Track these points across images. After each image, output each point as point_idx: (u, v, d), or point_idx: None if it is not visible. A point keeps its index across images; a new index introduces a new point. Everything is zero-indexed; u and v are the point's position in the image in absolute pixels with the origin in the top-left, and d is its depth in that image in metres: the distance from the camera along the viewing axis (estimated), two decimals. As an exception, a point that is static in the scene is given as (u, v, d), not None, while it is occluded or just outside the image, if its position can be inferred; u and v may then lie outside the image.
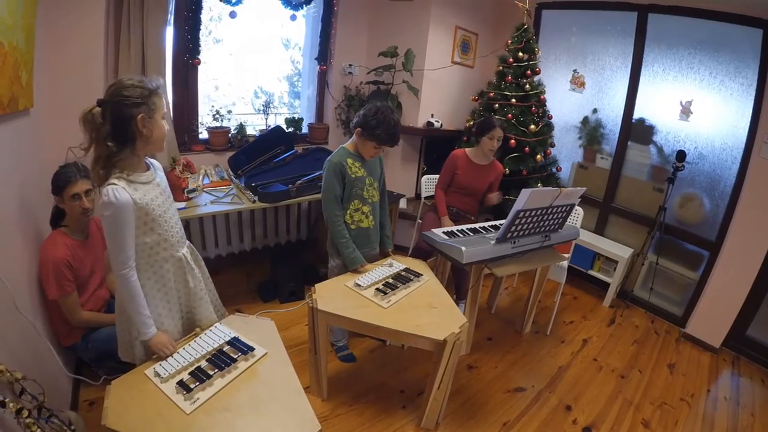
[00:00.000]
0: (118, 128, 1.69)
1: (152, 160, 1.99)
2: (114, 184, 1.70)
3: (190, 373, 1.84)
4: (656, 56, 4.38)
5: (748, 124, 3.83)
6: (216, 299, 2.41)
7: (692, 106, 4.18)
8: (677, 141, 4.35)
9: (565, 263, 3.92)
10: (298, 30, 4.77)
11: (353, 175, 2.80)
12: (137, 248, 1.85)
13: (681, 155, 4.08)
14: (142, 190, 1.79)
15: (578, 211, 4.06)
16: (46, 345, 2.27)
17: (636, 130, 4.65)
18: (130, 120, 1.68)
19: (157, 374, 1.81)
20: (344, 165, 2.78)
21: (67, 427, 1.95)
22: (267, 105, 4.52)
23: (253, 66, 4.72)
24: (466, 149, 3.87)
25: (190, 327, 2.20)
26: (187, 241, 2.17)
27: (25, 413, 1.63)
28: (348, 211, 2.89)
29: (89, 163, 1.78)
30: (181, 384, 1.76)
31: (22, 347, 2.02)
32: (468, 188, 3.85)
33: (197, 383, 1.77)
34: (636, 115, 4.61)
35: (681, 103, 4.24)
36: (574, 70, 5.00)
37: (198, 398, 1.72)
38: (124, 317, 1.99)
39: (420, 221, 4.49)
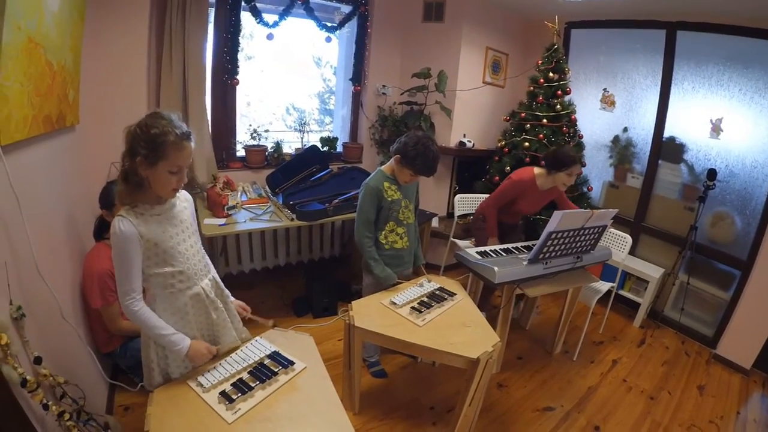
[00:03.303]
0: (126, 160, 1.68)
1: (181, 192, 1.95)
2: (121, 215, 1.69)
3: (232, 384, 1.89)
4: (685, 74, 4.37)
5: (780, 140, 3.80)
6: (239, 325, 2.31)
7: (722, 123, 4.16)
8: (708, 159, 4.33)
9: (603, 287, 3.91)
10: (330, 48, 4.85)
11: (389, 199, 2.87)
12: (152, 278, 1.83)
13: (712, 174, 4.06)
14: (151, 223, 1.76)
15: (626, 239, 4.06)
16: (87, 351, 2.38)
17: (666, 149, 4.63)
18: (134, 157, 1.65)
19: (200, 384, 1.88)
20: (381, 189, 2.85)
21: (104, 431, 2.04)
22: (302, 124, 4.64)
23: (285, 83, 4.83)
24: (536, 172, 3.61)
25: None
26: (212, 273, 2.13)
27: (67, 416, 1.71)
28: (383, 232, 2.96)
29: None
30: (224, 394, 1.82)
31: (64, 353, 2.12)
32: (521, 212, 3.86)
33: (239, 394, 1.83)
34: (666, 133, 4.59)
35: (711, 120, 4.22)
36: (604, 89, 5.01)
37: (239, 408, 1.77)
38: (143, 346, 1.97)
39: (469, 242, 4.49)
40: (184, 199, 1.98)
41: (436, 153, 2.78)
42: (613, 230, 4.07)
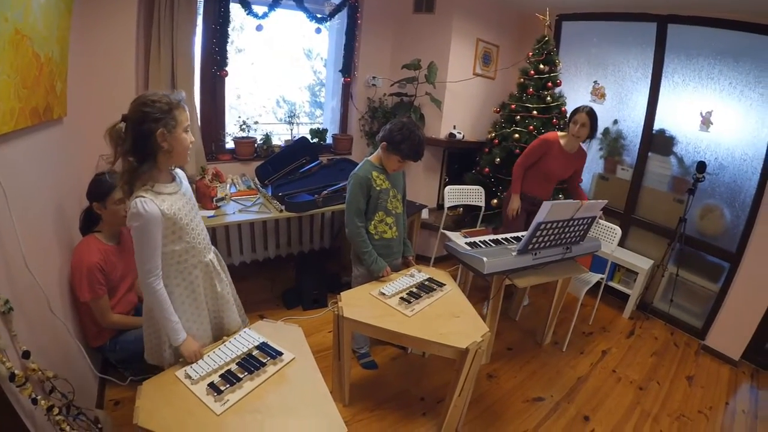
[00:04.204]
0: (138, 144, 1.74)
1: (177, 170, 2.05)
2: (142, 196, 1.76)
3: (220, 376, 1.90)
4: (676, 67, 4.38)
5: (769, 134, 3.81)
6: (239, 305, 2.48)
7: (712, 116, 4.18)
8: (697, 152, 4.35)
9: (593, 278, 3.95)
10: (321, 40, 4.85)
11: (378, 188, 2.86)
12: (167, 256, 1.92)
13: (701, 166, 4.08)
14: (169, 201, 1.85)
15: (616, 231, 4.07)
16: (77, 345, 2.35)
17: (656, 141, 4.65)
18: (150, 135, 1.73)
19: (188, 376, 1.88)
20: (369, 178, 2.84)
21: (94, 425, 2.03)
22: (292, 116, 4.62)
23: (275, 75, 4.81)
24: (558, 133, 3.82)
25: (219, 331, 2.28)
26: (213, 247, 2.25)
27: (56, 411, 1.70)
28: (372, 222, 2.95)
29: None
30: (212, 386, 1.82)
31: (53, 347, 2.11)
32: (550, 175, 3.89)
33: (227, 385, 1.83)
34: (656, 125, 4.61)
35: (701, 113, 4.24)
36: (595, 81, 5.02)
37: (228, 400, 1.78)
38: (151, 321, 2.05)
39: (459, 233, 4.51)
40: (183, 176, 2.08)
41: (421, 137, 2.80)
42: (602, 222, 4.08)
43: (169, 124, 1.76)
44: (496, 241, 3.34)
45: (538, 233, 2.94)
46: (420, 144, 2.79)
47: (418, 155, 2.82)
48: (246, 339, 2.17)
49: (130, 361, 2.68)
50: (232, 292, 2.40)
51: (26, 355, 1.66)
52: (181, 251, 1.96)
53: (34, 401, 1.60)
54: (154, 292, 1.86)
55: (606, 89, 4.96)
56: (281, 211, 3.54)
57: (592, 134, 3.65)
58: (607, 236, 4.08)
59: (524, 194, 3.95)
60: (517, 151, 4.39)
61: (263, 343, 2.15)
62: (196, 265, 2.05)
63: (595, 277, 3.94)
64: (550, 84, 4.53)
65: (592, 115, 3.57)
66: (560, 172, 3.88)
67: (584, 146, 3.92)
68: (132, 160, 1.77)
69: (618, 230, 4.06)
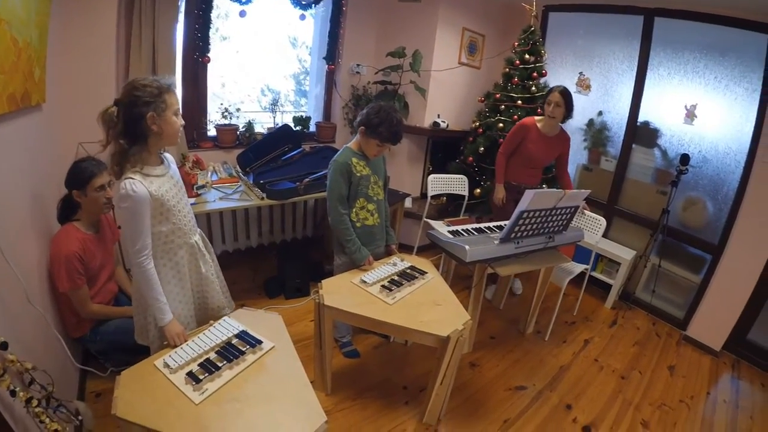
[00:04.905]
0: (129, 127, 1.81)
1: (166, 154, 2.10)
2: (131, 177, 1.82)
3: (199, 365, 1.87)
4: (662, 60, 4.39)
5: (752, 128, 3.83)
6: (225, 288, 2.55)
7: (697, 109, 4.20)
8: (681, 144, 4.37)
9: (576, 268, 3.96)
10: (306, 28, 4.80)
11: (358, 174, 2.82)
12: (154, 237, 1.98)
13: (685, 159, 4.08)
14: (157, 183, 1.91)
15: (601, 222, 4.08)
16: (56, 336, 2.30)
17: (641, 133, 4.66)
18: (141, 119, 1.79)
19: (167, 365, 1.85)
20: (349, 164, 2.80)
21: (74, 417, 1.99)
22: (275, 103, 4.57)
23: (260, 64, 4.75)
24: (535, 118, 3.87)
25: (203, 312, 2.36)
26: (199, 229, 2.30)
27: (35, 402, 1.66)
28: (353, 209, 2.91)
29: (107, 159, 1.93)
30: (191, 375, 1.79)
31: (32, 338, 2.06)
32: (533, 160, 3.89)
33: (206, 374, 1.81)
34: (641, 118, 4.62)
35: (686, 106, 4.26)
36: (580, 73, 5.02)
37: (207, 389, 1.75)
38: (140, 301, 2.11)
39: (442, 222, 4.50)
40: (172, 160, 2.15)
41: (399, 119, 2.78)
42: (588, 213, 4.08)
43: (159, 107, 1.82)
44: (479, 230, 3.33)
45: (521, 222, 2.93)
46: (398, 125, 2.77)
47: (396, 137, 2.80)
48: (225, 327, 2.15)
49: (110, 351, 2.66)
50: (218, 274, 2.45)
51: (4, 346, 1.61)
52: (167, 232, 2.03)
53: (13, 393, 1.56)
54: (144, 271, 1.93)
55: (591, 81, 4.96)
56: (263, 198, 3.51)
57: (567, 114, 3.66)
58: (592, 227, 4.09)
59: (511, 183, 3.95)
60: (501, 140, 4.37)
61: (242, 332, 2.12)
62: (181, 245, 2.12)
63: (578, 268, 3.96)
64: (535, 74, 4.54)
65: (565, 94, 3.58)
66: (542, 157, 3.89)
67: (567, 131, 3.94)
68: (123, 142, 1.85)
69: (603, 221, 4.07)
